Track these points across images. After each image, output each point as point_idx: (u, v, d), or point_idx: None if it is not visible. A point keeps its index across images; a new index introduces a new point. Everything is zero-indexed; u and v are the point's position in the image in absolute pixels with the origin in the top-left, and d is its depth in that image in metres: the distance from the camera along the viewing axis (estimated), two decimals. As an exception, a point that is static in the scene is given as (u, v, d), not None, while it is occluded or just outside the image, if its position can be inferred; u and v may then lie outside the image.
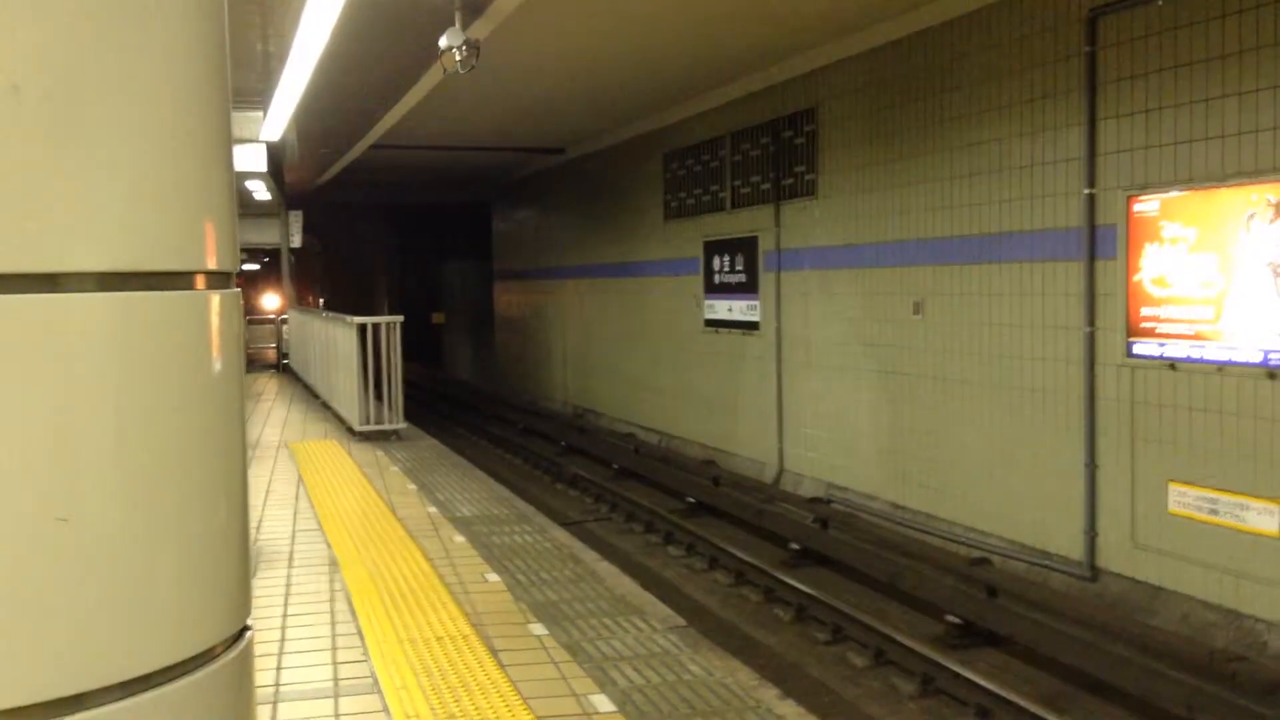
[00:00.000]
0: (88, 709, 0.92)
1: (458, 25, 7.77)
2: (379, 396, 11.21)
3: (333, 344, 12.68)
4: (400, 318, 11.43)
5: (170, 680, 0.98)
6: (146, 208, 0.98)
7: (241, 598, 1.10)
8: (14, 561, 0.89)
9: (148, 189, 0.98)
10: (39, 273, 0.91)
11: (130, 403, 0.96)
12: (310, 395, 15.16)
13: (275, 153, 16.09)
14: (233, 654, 1.06)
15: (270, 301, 23.32)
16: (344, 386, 11.85)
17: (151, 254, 0.98)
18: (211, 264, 1.05)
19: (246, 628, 1.10)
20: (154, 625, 0.97)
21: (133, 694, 0.95)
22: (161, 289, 0.99)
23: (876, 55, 9.56)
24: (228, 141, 1.10)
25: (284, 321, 20.34)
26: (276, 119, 12.48)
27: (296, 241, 20.91)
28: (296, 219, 20.74)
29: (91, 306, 0.94)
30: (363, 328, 11.27)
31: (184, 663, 0.99)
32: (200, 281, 1.04)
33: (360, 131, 14.93)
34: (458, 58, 7.64)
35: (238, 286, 1.12)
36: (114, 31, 0.95)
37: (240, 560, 1.09)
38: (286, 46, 9.42)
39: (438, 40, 7.90)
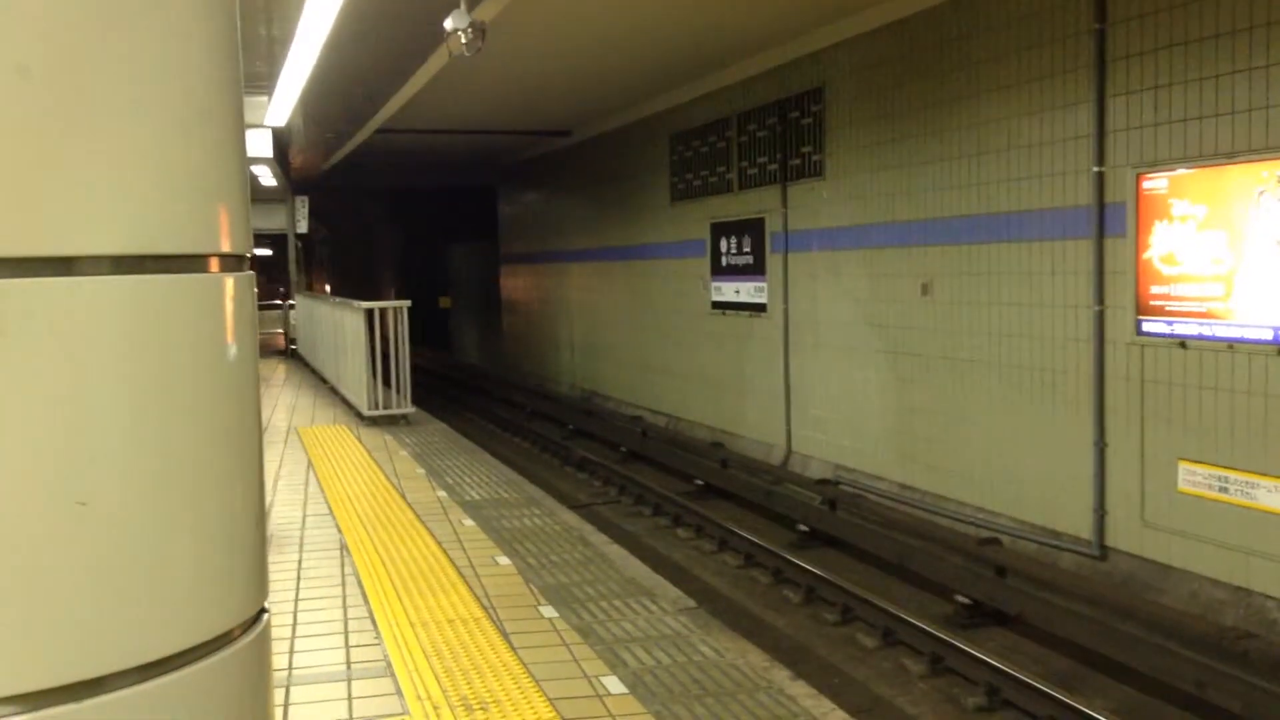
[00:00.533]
0: (107, 692, 0.93)
1: (463, 7, 7.74)
2: (387, 381, 11.22)
3: (340, 329, 12.69)
4: (407, 302, 11.42)
5: (189, 663, 0.98)
6: (160, 190, 0.97)
7: (258, 580, 1.10)
8: (33, 545, 0.89)
9: (161, 171, 0.97)
10: (53, 256, 0.91)
11: (146, 386, 0.96)
12: (318, 380, 15.18)
13: (281, 138, 16.08)
14: (250, 636, 1.07)
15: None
16: (352, 371, 11.86)
17: (165, 237, 0.98)
18: (225, 247, 1.05)
19: (264, 610, 1.11)
20: (172, 608, 0.97)
21: (152, 677, 0.95)
22: (175, 272, 0.99)
23: (883, 34, 9.50)
24: (240, 124, 1.09)
25: (292, 306, 20.36)
26: (282, 104, 12.46)
27: (303, 227, 20.91)
28: (303, 204, 20.73)
29: (106, 290, 0.94)
30: (370, 312, 11.27)
31: (202, 645, 1.00)
32: (214, 264, 1.04)
33: (366, 116, 14.90)
34: (463, 40, 7.61)
35: (251, 270, 1.12)
36: (125, 12, 0.94)
37: (257, 543, 1.09)
38: (291, 30, 9.39)
39: (443, 23, 7.87)
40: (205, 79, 1.02)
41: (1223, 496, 6.54)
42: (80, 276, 0.92)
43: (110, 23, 0.93)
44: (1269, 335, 6.19)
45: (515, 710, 3.78)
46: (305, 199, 20.89)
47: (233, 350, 1.05)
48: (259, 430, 1.13)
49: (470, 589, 5.20)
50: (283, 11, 9.03)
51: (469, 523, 6.58)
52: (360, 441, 9.84)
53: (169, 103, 0.98)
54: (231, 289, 1.05)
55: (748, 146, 12.04)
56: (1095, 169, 7.25)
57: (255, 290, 1.12)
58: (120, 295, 0.95)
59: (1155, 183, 6.84)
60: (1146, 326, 6.97)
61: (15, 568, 0.89)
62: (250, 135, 13.33)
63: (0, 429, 0.88)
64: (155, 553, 0.96)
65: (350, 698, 3.95)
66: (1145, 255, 6.94)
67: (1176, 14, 6.68)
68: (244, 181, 1.10)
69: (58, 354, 0.91)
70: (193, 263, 1.01)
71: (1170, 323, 6.80)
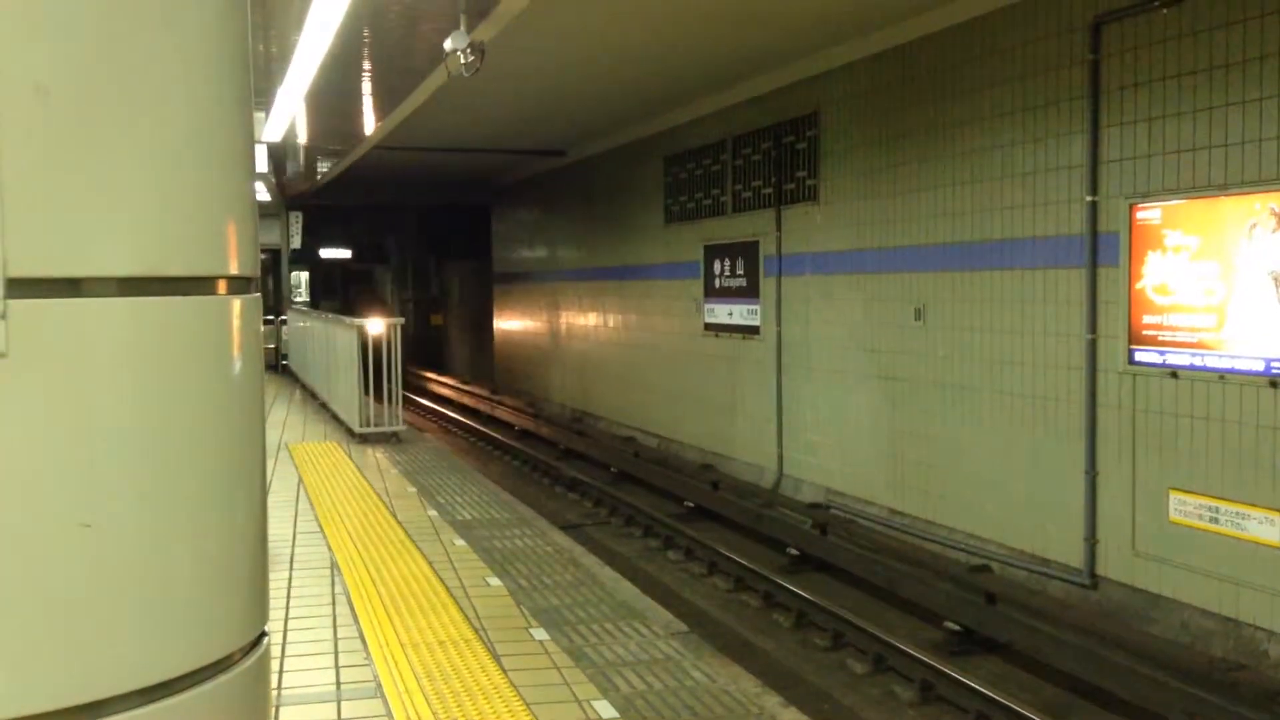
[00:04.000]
0: (108, 715, 0.92)
1: (463, 28, 7.76)
2: (379, 398, 11.20)
3: (332, 345, 12.67)
4: (400, 319, 11.43)
5: (190, 687, 0.98)
6: (168, 212, 0.97)
7: (259, 604, 1.09)
8: (37, 567, 0.89)
9: (170, 194, 0.97)
10: (61, 277, 0.91)
11: (151, 408, 0.96)
12: (309, 396, 15.14)
13: (276, 154, 16.09)
14: (251, 660, 1.06)
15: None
16: (344, 388, 11.83)
17: (173, 259, 0.98)
18: (233, 269, 1.04)
19: (264, 634, 1.10)
20: (174, 632, 0.97)
21: (153, 701, 0.95)
22: (183, 294, 0.99)
23: (879, 60, 9.56)
24: (250, 146, 1.09)
25: (283, 322, 20.33)
26: (278, 120, 12.48)
27: (296, 243, 20.91)
28: (296, 220, 20.73)
29: (113, 311, 0.94)
30: (363, 329, 11.26)
31: (203, 669, 0.99)
32: (221, 286, 1.03)
33: (362, 133, 14.92)
34: (462, 61, 7.63)
35: (258, 291, 1.11)
36: (138, 36, 0.94)
37: (259, 566, 1.09)
38: (289, 47, 9.43)
39: (442, 43, 7.89)
40: (215, 102, 1.03)
41: (1213, 527, 6.55)
42: (86, 298, 0.92)
43: (123, 46, 0.93)
44: (1260, 366, 6.21)
45: (505, 733, 3.75)
46: (299, 214, 20.89)
47: (239, 374, 1.05)
48: (263, 454, 1.12)
49: (461, 610, 5.17)
50: (281, 29, 9.05)
51: (460, 543, 6.56)
52: (351, 459, 9.81)
53: (179, 125, 0.98)
54: (238, 311, 1.05)
55: (742, 170, 12.08)
56: (1089, 198, 7.29)
57: (261, 312, 1.12)
58: (127, 317, 0.94)
59: (1148, 213, 6.87)
60: (1139, 356, 6.99)
61: (18, 589, 0.88)
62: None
63: (4, 450, 0.88)
64: (158, 575, 0.96)
65: (340, 719, 3.93)
66: (1138, 285, 6.97)
67: (1170, 46, 6.73)
68: (252, 203, 1.10)
69: (62, 375, 0.91)
70: (200, 285, 1.01)
71: (1162, 352, 6.82)
